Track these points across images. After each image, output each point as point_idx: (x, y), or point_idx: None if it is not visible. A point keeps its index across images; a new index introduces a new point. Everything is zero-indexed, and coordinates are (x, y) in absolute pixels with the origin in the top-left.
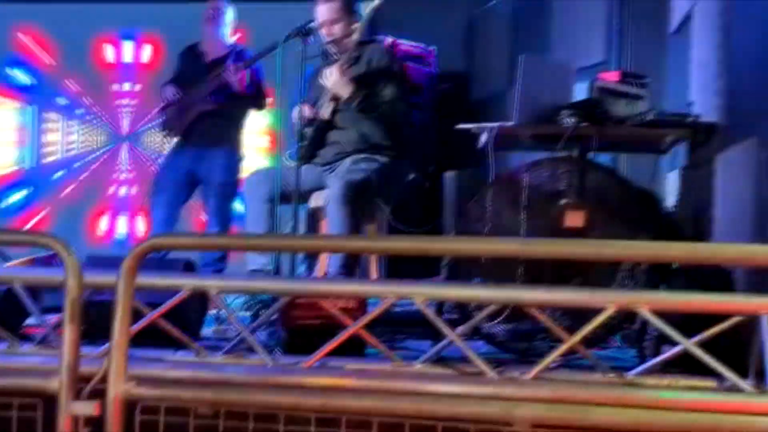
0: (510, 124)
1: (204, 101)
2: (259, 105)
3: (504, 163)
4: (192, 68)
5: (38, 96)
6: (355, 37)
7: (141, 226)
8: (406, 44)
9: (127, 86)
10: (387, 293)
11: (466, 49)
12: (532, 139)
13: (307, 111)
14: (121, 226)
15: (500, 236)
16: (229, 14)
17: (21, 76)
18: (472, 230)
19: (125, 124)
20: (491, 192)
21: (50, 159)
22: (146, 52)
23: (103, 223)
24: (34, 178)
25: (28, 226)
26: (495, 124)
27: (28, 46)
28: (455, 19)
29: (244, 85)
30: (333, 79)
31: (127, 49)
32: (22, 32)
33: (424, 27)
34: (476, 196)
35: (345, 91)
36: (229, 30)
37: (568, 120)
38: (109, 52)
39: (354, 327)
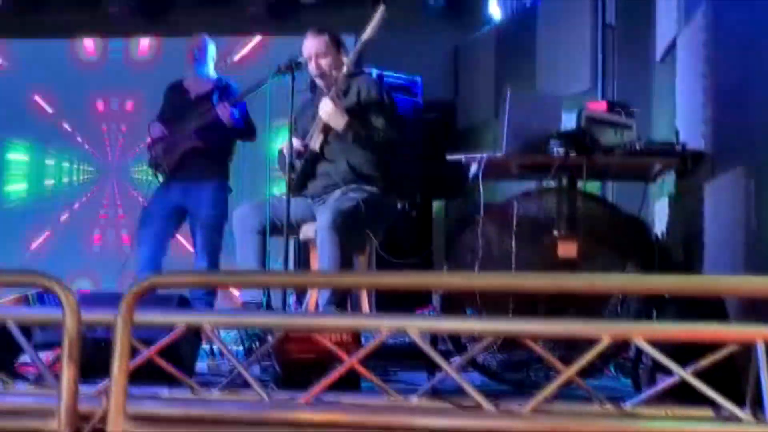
0: (499, 154)
1: (190, 138)
2: (249, 135)
3: (493, 192)
4: (177, 104)
5: (39, 137)
6: (345, 70)
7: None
8: (392, 75)
9: (114, 126)
10: (382, 327)
11: (451, 78)
12: (521, 169)
13: (296, 143)
14: (115, 242)
15: (492, 267)
16: (212, 50)
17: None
18: (464, 261)
19: (113, 159)
20: (482, 223)
21: (47, 192)
22: (130, 104)
23: (98, 240)
24: (33, 209)
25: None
26: (484, 155)
27: (38, 102)
28: (441, 49)
29: (233, 120)
30: (328, 112)
31: (114, 101)
32: (36, 95)
33: (409, 57)
34: (467, 228)
35: (340, 122)
36: (212, 65)
37: (558, 150)
38: (99, 104)
39: (350, 361)
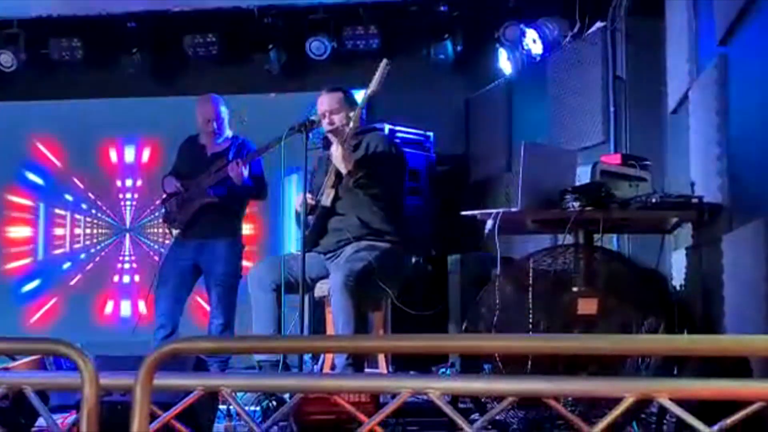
0: (514, 209)
1: (205, 195)
2: (260, 195)
3: (508, 245)
4: (193, 160)
5: (48, 194)
6: (353, 125)
7: (142, 308)
8: (404, 130)
9: (129, 182)
10: (401, 388)
11: (463, 132)
12: (536, 224)
13: (309, 200)
14: (125, 310)
15: (510, 323)
16: (225, 112)
17: (34, 178)
18: (481, 318)
19: (128, 217)
20: (499, 279)
21: (59, 251)
22: (146, 154)
23: (109, 307)
24: (45, 270)
25: (40, 313)
26: (499, 211)
27: (41, 151)
28: (452, 104)
29: (243, 179)
30: (336, 155)
31: (129, 151)
32: (37, 140)
33: (421, 112)
34: (484, 283)
35: (346, 165)
36: (226, 125)
37: (573, 204)
38: (112, 154)
39: (370, 424)
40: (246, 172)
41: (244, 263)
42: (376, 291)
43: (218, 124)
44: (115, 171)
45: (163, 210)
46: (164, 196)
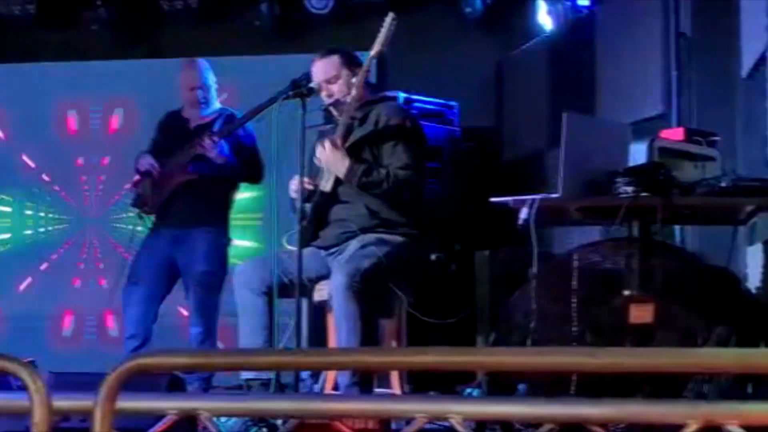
0: (554, 195)
1: (182, 171)
2: (252, 176)
3: (548, 240)
4: (174, 135)
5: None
6: (354, 93)
7: (113, 324)
8: (422, 99)
9: (94, 158)
10: (417, 412)
11: (494, 101)
12: (581, 213)
13: (306, 184)
14: (89, 327)
15: (549, 334)
16: (211, 76)
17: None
18: (514, 326)
19: (92, 205)
20: (536, 280)
21: (2, 249)
22: (117, 120)
23: (68, 324)
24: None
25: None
26: (536, 197)
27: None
28: (481, 67)
29: (223, 155)
30: (325, 156)
31: (94, 117)
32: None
33: (444, 78)
34: (518, 285)
35: (340, 168)
36: (213, 93)
37: (625, 189)
38: (72, 122)
39: None
40: (225, 148)
41: (231, 260)
42: (388, 294)
43: (205, 93)
44: (76, 144)
45: (135, 193)
46: (136, 176)
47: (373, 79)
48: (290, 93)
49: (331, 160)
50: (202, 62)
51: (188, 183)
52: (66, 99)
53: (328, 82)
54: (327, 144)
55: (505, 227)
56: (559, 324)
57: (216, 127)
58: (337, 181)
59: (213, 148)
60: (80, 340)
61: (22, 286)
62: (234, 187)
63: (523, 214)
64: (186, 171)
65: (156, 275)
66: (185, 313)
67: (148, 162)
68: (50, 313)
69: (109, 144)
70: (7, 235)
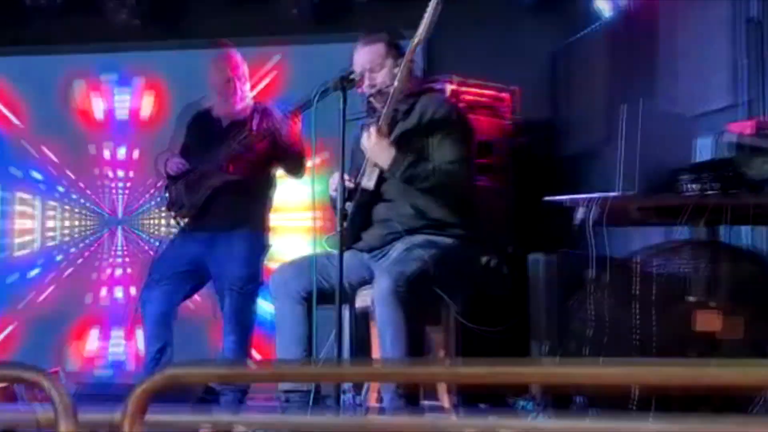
0: (613, 194)
1: (219, 173)
2: (298, 168)
3: (608, 242)
4: (205, 134)
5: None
6: (398, 85)
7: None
8: (472, 91)
9: (122, 152)
10: (466, 427)
11: (549, 92)
12: (642, 214)
13: (347, 181)
14: (116, 344)
15: (608, 343)
16: (246, 69)
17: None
18: (571, 335)
19: (119, 204)
20: (595, 285)
21: (22, 252)
22: (147, 104)
23: (92, 340)
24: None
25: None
26: (593, 195)
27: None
28: (535, 56)
29: (264, 153)
30: (370, 144)
31: (122, 99)
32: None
33: (495, 67)
34: (575, 291)
35: (384, 157)
36: (248, 87)
37: (690, 187)
38: (96, 106)
39: None
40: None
41: (268, 264)
42: (435, 300)
43: (241, 84)
44: (100, 133)
45: (168, 197)
46: (167, 180)
47: (419, 67)
48: (329, 84)
49: (376, 149)
50: (237, 53)
51: (226, 184)
52: (91, 86)
53: (372, 70)
54: (372, 131)
55: (560, 228)
56: (619, 332)
57: (254, 123)
58: (381, 178)
59: (290, 125)
60: (106, 352)
61: (43, 295)
62: (273, 186)
63: (580, 214)
64: (224, 172)
65: (180, 275)
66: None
67: (178, 163)
68: (75, 323)
69: (138, 135)
70: (28, 238)
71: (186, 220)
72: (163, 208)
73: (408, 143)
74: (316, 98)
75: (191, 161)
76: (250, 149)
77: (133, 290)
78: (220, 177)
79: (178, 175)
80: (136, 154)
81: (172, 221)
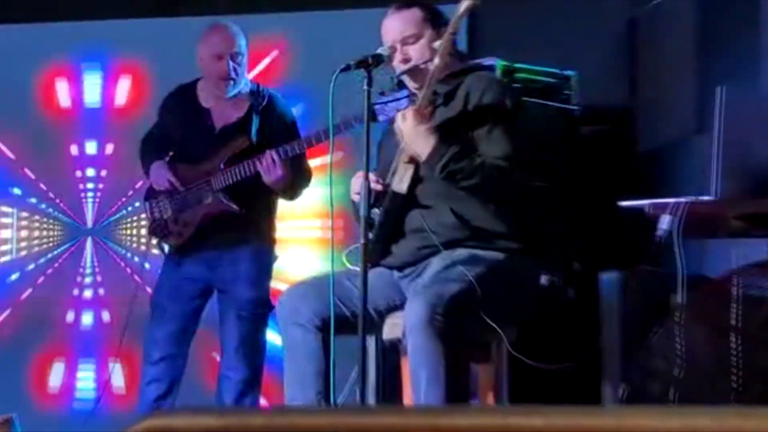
0: (706, 198)
1: (216, 201)
2: (292, 193)
3: (699, 259)
4: (193, 137)
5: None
6: (438, 60)
7: (118, 377)
8: (528, 69)
9: (92, 147)
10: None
11: (626, 71)
12: (743, 222)
13: (373, 183)
14: (85, 378)
15: (703, 386)
16: (244, 46)
17: None
18: (655, 377)
19: (89, 211)
20: (683, 311)
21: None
22: (122, 89)
23: (57, 373)
24: None
25: None
26: (682, 200)
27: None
28: (607, 26)
29: (281, 180)
30: (407, 128)
31: (92, 84)
32: None
33: (558, 41)
34: (658, 318)
35: (422, 145)
36: (245, 65)
37: None
38: (63, 92)
39: None
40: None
41: (273, 284)
42: (483, 330)
43: (236, 64)
44: (67, 126)
45: (149, 211)
46: (150, 196)
47: (462, 44)
48: (351, 62)
49: (413, 135)
50: (233, 25)
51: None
52: (55, 66)
53: (405, 42)
54: (410, 114)
55: (640, 240)
56: (714, 371)
57: (252, 127)
58: (416, 179)
59: (274, 171)
60: (72, 392)
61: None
62: (278, 197)
63: (664, 223)
64: (218, 200)
65: (187, 308)
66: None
67: (165, 175)
68: (36, 354)
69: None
70: None
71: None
72: (143, 216)
73: (449, 134)
74: (334, 79)
75: (176, 167)
76: (251, 173)
77: (106, 315)
78: (215, 205)
79: (165, 192)
80: (109, 149)
81: (157, 245)
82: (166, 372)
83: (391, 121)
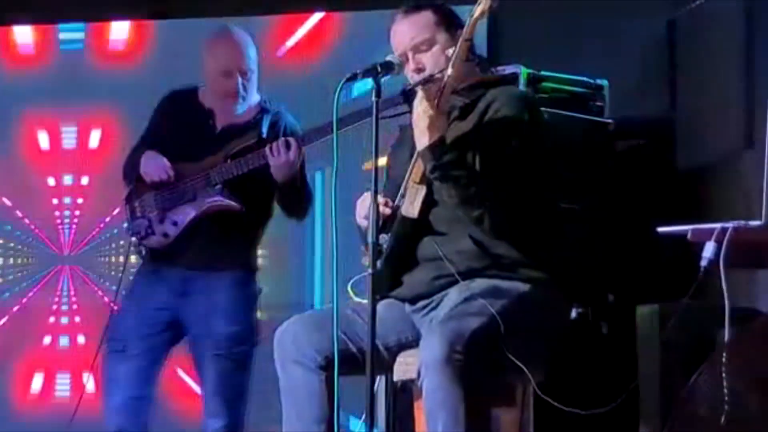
0: (755, 223)
1: (215, 192)
2: (301, 210)
3: (748, 291)
4: (190, 131)
5: None
6: (450, 70)
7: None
8: (555, 77)
9: (68, 180)
10: None
11: (664, 79)
12: None
13: (382, 206)
14: (62, 385)
15: None
16: (255, 56)
17: None
18: (696, 420)
19: (65, 239)
20: (731, 351)
21: None
22: (95, 136)
23: (37, 382)
24: None
25: None
26: (728, 224)
27: None
28: (645, 28)
29: (293, 171)
30: (418, 110)
31: (68, 132)
32: None
33: (588, 46)
34: (701, 358)
35: (426, 130)
36: (255, 83)
37: None
38: (42, 139)
39: None
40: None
41: (260, 316)
42: (506, 370)
43: (246, 81)
44: (45, 166)
45: (128, 212)
46: (131, 187)
47: (481, 50)
48: (358, 71)
49: (421, 121)
50: (244, 35)
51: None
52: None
53: (417, 50)
54: (425, 103)
55: (680, 270)
56: (765, 419)
57: (263, 131)
58: (429, 201)
59: (286, 154)
60: (51, 399)
61: None
62: (268, 217)
63: (708, 251)
64: (218, 193)
65: (153, 341)
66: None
67: (163, 169)
68: (16, 370)
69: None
70: None
71: (148, 253)
72: (122, 243)
73: (461, 153)
74: (339, 89)
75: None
76: (256, 165)
77: (81, 339)
78: (212, 199)
79: (154, 186)
80: (85, 180)
81: (133, 248)
82: (128, 419)
83: (401, 129)
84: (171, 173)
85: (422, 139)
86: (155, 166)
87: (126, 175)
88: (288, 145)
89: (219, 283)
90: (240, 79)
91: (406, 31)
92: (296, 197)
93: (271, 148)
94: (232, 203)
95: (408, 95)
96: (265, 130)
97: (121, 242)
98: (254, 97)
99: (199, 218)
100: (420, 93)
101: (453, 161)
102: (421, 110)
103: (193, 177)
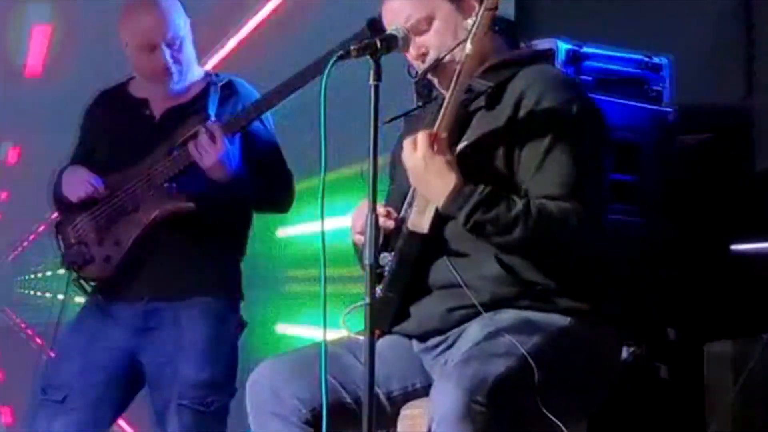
0: None
1: (163, 196)
2: (275, 199)
3: None
4: (125, 131)
5: None
6: (469, 48)
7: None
8: (604, 54)
9: None
10: None
11: (736, 59)
12: None
13: (382, 218)
14: None
15: None
16: (185, 22)
17: None
18: None
19: None
20: None
21: None
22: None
23: None
24: None
25: None
26: None
27: None
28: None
29: (228, 166)
30: (412, 163)
31: None
32: None
33: (647, 20)
34: None
35: (438, 187)
36: (190, 50)
37: None
38: None
39: None
40: (234, 152)
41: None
42: (539, 424)
43: (176, 52)
44: None
45: (61, 242)
46: (58, 212)
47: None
48: (352, 47)
49: (421, 173)
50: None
51: (171, 218)
52: None
53: (417, 31)
54: (420, 141)
55: (759, 298)
56: None
57: (210, 108)
58: (442, 215)
59: (213, 152)
60: None
61: None
62: (246, 219)
63: None
64: (166, 194)
65: (101, 390)
66: None
67: (88, 181)
68: None
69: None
70: None
71: (96, 283)
72: (59, 271)
73: (489, 156)
74: (328, 70)
75: (104, 176)
76: (206, 154)
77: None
78: (161, 205)
79: (82, 204)
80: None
81: (73, 284)
82: None
83: (407, 123)
84: (96, 184)
85: (435, 195)
86: (76, 181)
87: (55, 199)
88: (210, 134)
89: (188, 313)
90: (167, 51)
91: (398, 8)
92: (260, 192)
93: (195, 146)
94: (181, 204)
95: (420, 86)
96: (213, 108)
97: (48, 273)
98: (195, 71)
99: (147, 232)
100: (408, 141)
101: (488, 198)
102: (419, 156)
103: (132, 183)
